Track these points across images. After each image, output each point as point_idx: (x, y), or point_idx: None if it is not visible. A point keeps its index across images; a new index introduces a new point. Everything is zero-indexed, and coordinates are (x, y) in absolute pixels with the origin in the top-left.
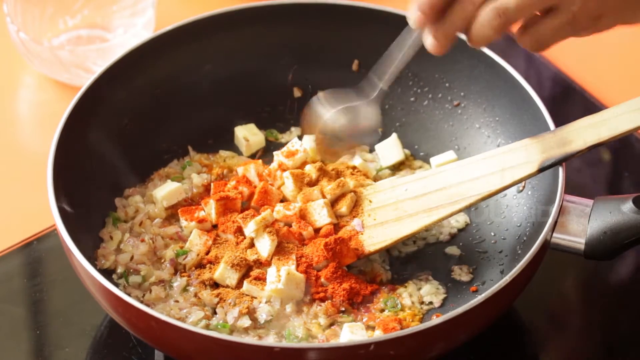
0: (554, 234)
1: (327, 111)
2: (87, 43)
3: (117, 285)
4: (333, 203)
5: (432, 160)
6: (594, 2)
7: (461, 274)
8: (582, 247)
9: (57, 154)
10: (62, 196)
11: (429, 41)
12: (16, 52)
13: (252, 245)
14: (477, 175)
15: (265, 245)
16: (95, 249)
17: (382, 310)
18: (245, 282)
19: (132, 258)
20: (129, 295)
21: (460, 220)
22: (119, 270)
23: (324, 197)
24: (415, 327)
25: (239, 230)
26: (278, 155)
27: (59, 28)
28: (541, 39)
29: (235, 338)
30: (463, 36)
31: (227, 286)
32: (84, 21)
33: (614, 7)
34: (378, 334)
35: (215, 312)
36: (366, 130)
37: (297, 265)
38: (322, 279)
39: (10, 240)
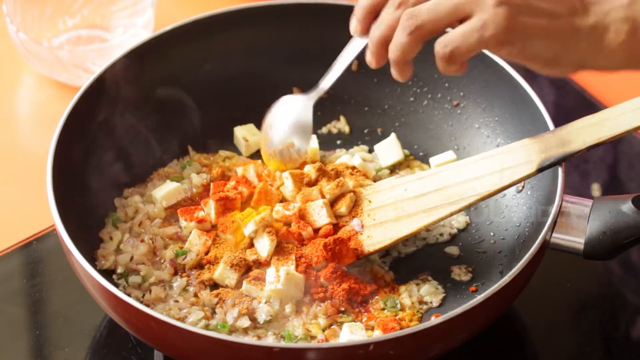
0: (554, 234)
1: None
2: (87, 43)
3: (117, 285)
4: (332, 203)
5: (432, 160)
6: (503, 15)
7: (460, 274)
8: (582, 247)
9: (57, 154)
10: (62, 196)
11: (367, 53)
12: (15, 52)
13: (251, 245)
14: (477, 175)
15: (264, 246)
16: (95, 250)
17: (382, 310)
18: (245, 283)
19: (131, 258)
20: (129, 295)
21: (461, 220)
22: (119, 270)
23: (323, 197)
24: (415, 327)
25: (239, 230)
26: None
27: (59, 28)
28: (449, 43)
29: (234, 338)
30: None
31: (227, 286)
32: (84, 21)
33: (523, 35)
34: (377, 334)
35: (215, 312)
36: (300, 126)
37: (297, 266)
38: (322, 279)
39: (10, 240)
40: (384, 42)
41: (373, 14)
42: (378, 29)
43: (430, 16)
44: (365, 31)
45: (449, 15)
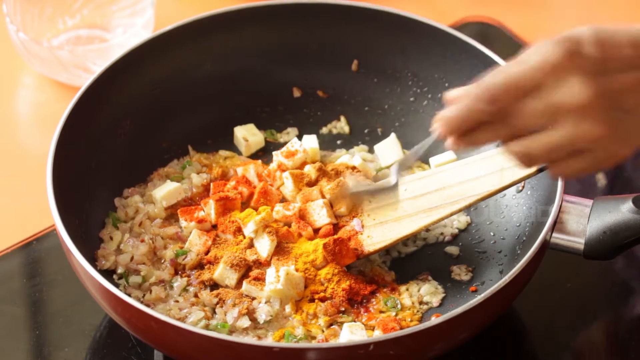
0: (554, 234)
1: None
2: (87, 43)
3: (117, 285)
4: (332, 203)
5: (432, 160)
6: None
7: (460, 273)
8: (582, 247)
9: (57, 154)
10: (62, 196)
11: (449, 142)
12: (15, 52)
13: (251, 245)
14: (477, 175)
15: (264, 246)
16: (95, 249)
17: (382, 311)
18: (245, 283)
19: (132, 258)
20: (129, 295)
21: (462, 220)
22: (119, 270)
23: (323, 197)
24: (415, 327)
25: (239, 230)
26: (277, 156)
27: (59, 28)
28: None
29: (234, 338)
30: (464, 37)
31: (227, 286)
32: (84, 21)
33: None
34: (377, 334)
35: (215, 312)
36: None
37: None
38: (322, 279)
39: (10, 240)
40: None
41: (465, 130)
42: (486, 140)
43: (543, 157)
44: (459, 137)
45: (562, 152)
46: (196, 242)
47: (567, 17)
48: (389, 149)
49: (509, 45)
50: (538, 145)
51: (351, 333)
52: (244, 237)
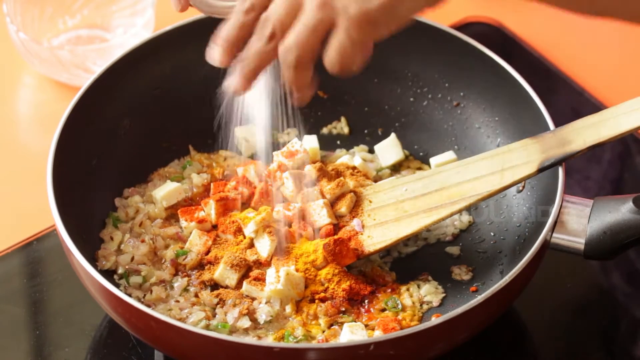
0: (554, 234)
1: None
2: (87, 43)
3: (117, 286)
4: (333, 203)
5: (432, 160)
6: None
7: (461, 274)
8: (582, 247)
9: (57, 154)
10: (62, 196)
11: (228, 80)
12: (16, 52)
13: (251, 245)
14: (477, 175)
15: (265, 246)
16: (95, 250)
17: (382, 310)
18: (245, 283)
19: (132, 259)
20: (130, 295)
21: (464, 220)
22: (120, 271)
23: (323, 197)
24: (415, 327)
25: (239, 230)
26: (278, 156)
27: (59, 28)
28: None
29: (234, 338)
30: (464, 37)
31: (227, 286)
32: (84, 21)
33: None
34: (378, 334)
35: (216, 313)
36: None
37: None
38: (322, 279)
39: (10, 240)
40: (257, 72)
41: (239, 46)
42: (252, 62)
43: (302, 46)
44: (230, 62)
45: (316, 34)
46: (196, 242)
47: (566, 17)
48: (389, 149)
49: (509, 45)
50: (296, 36)
51: (351, 333)
52: (244, 237)
